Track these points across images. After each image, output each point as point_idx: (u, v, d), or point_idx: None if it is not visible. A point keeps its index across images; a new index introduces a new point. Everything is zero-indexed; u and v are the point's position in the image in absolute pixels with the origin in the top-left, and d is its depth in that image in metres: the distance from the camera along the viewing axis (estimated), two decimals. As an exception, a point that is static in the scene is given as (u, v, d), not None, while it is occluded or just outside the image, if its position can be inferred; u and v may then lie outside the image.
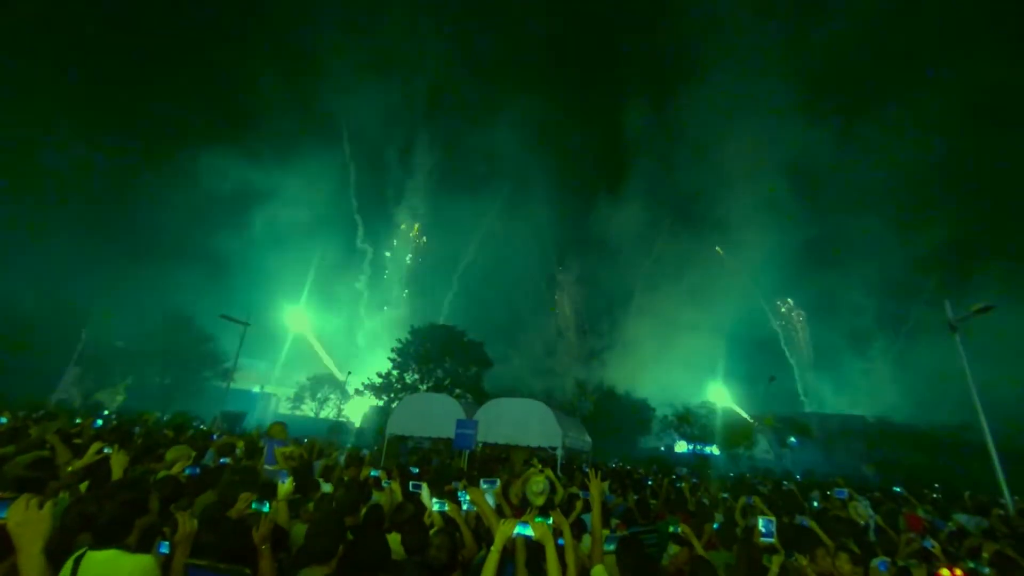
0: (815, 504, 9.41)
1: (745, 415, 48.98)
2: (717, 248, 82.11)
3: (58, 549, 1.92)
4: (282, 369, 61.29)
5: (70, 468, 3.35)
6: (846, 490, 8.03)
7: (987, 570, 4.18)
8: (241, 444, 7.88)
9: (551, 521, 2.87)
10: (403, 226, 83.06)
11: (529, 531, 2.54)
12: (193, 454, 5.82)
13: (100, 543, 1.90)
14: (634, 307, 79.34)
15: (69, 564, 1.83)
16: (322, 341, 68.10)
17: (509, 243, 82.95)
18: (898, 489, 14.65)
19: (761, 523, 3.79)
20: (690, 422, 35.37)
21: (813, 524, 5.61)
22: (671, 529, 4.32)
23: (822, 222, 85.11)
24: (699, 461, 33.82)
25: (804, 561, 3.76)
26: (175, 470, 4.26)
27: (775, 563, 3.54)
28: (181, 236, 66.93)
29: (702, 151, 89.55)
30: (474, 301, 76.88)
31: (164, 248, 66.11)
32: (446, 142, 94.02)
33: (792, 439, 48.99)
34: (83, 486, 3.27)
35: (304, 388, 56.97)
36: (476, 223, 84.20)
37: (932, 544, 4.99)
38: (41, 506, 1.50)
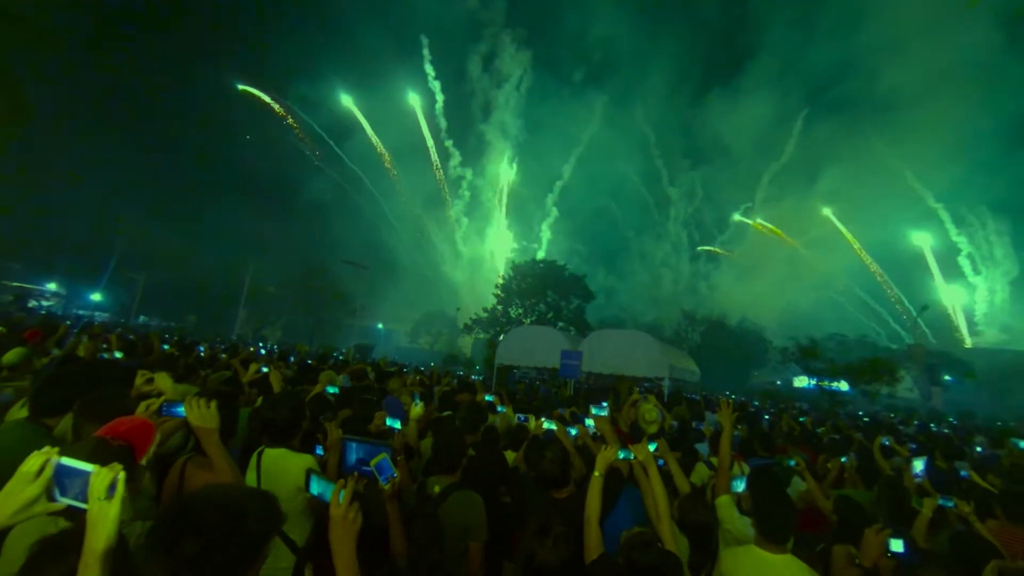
0: (978, 450, 8.16)
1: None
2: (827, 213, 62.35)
3: (250, 446, 2.43)
4: (399, 307, 66.13)
5: (244, 380, 4.14)
6: None
7: None
8: (371, 370, 8.98)
9: (655, 448, 2.85)
10: (495, 146, 76.24)
11: (631, 455, 2.60)
12: (338, 378, 6.84)
13: (273, 442, 2.31)
14: (756, 222, 67.97)
15: (254, 458, 2.28)
16: (431, 276, 70.68)
17: (612, 157, 73.68)
18: None
19: (917, 465, 3.33)
20: (816, 355, 32.04)
21: (973, 474, 4.86)
22: (790, 463, 4.05)
23: None
24: (823, 396, 30.94)
25: (967, 508, 3.26)
26: (317, 389, 5.03)
27: (927, 506, 3.12)
28: (295, 188, 72.14)
29: (854, 7, 66.19)
30: (575, 225, 72.69)
31: (289, 203, 72.55)
32: (534, 41, 79.26)
33: (947, 377, 42.28)
34: (259, 401, 3.97)
35: (419, 324, 63.03)
36: (575, 136, 75.06)
37: None
38: (208, 406, 1.82)
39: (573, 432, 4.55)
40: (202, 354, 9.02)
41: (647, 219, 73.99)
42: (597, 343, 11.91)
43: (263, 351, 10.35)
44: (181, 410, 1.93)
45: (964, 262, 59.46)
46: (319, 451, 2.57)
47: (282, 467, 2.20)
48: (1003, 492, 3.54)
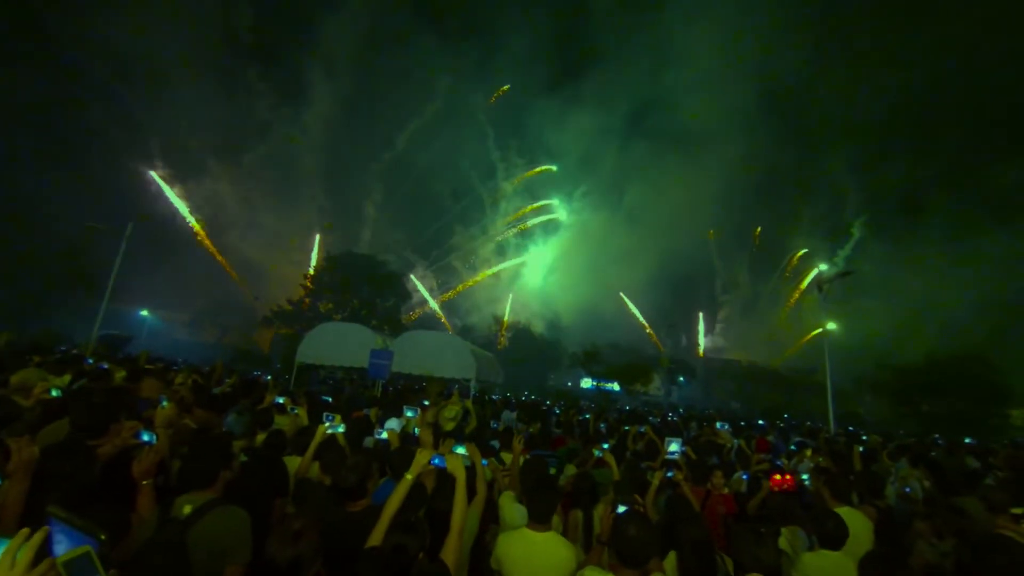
0: (693, 432, 10.90)
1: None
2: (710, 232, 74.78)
3: None
4: (176, 291, 50.86)
5: None
6: (727, 424, 9.42)
7: (806, 476, 5.10)
8: (122, 373, 6.84)
9: (464, 451, 2.98)
10: (317, 88, 62.98)
11: (443, 463, 2.61)
12: (63, 380, 5.00)
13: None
14: (564, 230, 72.90)
15: None
16: (219, 251, 56.82)
17: (448, 139, 68.34)
18: (761, 422, 17.59)
19: (673, 446, 4.37)
20: (597, 360, 38.48)
21: (689, 449, 6.59)
22: (595, 453, 4.72)
23: (781, 152, 73.74)
24: (601, 396, 37.30)
25: (679, 476, 4.33)
26: (36, 392, 3.64)
27: (656, 478, 4.04)
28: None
29: (671, 52, 73.51)
30: (398, 208, 66.32)
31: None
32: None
33: (681, 378, 55.69)
34: None
35: (203, 312, 52.39)
36: (413, 106, 67.41)
37: (783, 463, 6.05)
38: None
39: (383, 436, 4.41)
40: None
41: (475, 214, 71.88)
42: (409, 343, 11.83)
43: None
44: None
45: (718, 283, 77.21)
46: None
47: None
48: (690, 461, 4.89)
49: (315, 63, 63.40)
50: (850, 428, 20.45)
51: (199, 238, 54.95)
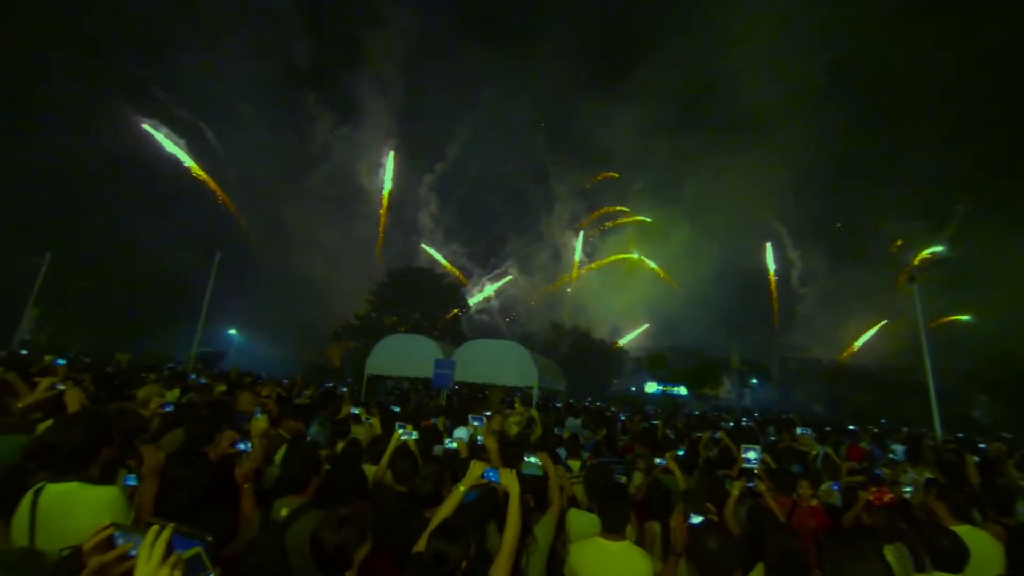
0: (772, 438, 10.16)
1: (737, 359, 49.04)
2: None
3: (11, 486, 1.88)
4: (259, 310, 56.04)
5: (20, 404, 3.17)
6: (809, 429, 8.64)
7: (909, 489, 4.55)
8: (221, 387, 7.63)
9: (537, 460, 2.98)
10: (371, 108, 62.79)
11: (497, 477, 2.51)
12: (173, 394, 5.69)
13: (59, 475, 1.83)
14: (619, 233, 70.29)
15: (28, 498, 1.77)
16: (297, 276, 58.74)
17: (500, 146, 69.14)
18: (852, 427, 16.02)
19: (751, 453, 4.13)
20: (662, 364, 37.12)
21: (767, 456, 6.14)
22: (657, 462, 4.57)
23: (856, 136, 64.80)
24: (667, 401, 35.85)
25: (763, 486, 4.05)
26: (152, 406, 4.16)
27: (736, 487, 3.80)
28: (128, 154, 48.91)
29: (725, 34, 67.72)
30: (454, 220, 66.93)
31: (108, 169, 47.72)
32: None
33: (754, 380, 52.20)
34: (41, 427, 3.14)
35: (282, 330, 56.60)
36: (463, 117, 67.12)
37: (882, 472, 5.50)
38: None
39: (451, 444, 4.53)
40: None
41: (529, 221, 71.24)
42: (471, 352, 12.04)
43: (61, 361, 8.10)
44: None
45: (795, 275, 69.38)
46: (130, 481, 2.11)
47: (71, 506, 1.76)
48: (771, 470, 4.55)
49: (367, 84, 64.73)
50: (959, 435, 18.05)
51: (201, 180, 54.51)
